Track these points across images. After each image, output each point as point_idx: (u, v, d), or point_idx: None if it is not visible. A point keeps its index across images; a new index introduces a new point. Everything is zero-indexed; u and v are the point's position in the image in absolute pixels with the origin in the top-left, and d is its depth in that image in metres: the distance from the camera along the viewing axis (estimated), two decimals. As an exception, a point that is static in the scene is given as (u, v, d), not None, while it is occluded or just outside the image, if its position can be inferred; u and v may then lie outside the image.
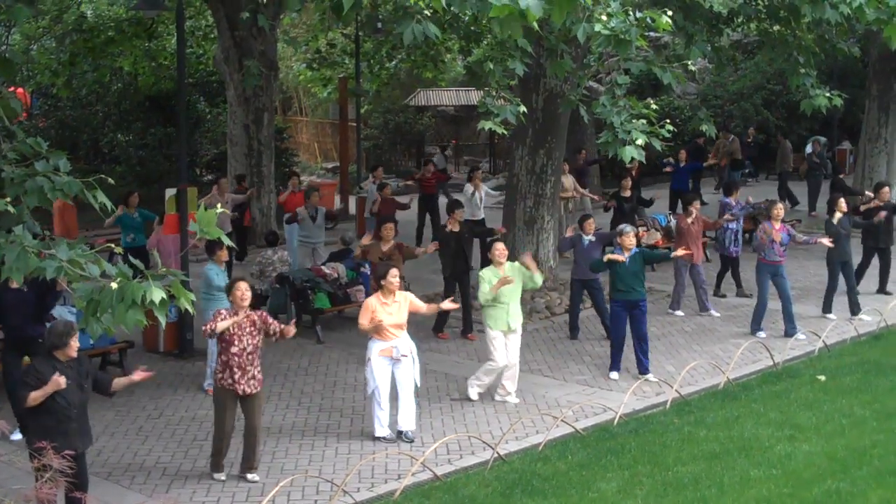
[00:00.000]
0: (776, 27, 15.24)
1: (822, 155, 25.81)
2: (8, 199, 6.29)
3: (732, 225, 16.19)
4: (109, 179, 6.72)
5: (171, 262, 13.71)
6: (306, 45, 28.20)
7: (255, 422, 9.41)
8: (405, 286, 13.91)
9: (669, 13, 10.98)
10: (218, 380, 9.38)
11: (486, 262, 11.90)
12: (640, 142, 11.17)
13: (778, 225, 14.14)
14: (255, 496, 9.09)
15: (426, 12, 8.89)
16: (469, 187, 19.16)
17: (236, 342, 9.26)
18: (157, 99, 26.14)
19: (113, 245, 6.44)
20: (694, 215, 15.40)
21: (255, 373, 9.36)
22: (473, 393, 11.63)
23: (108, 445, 10.36)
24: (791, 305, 14.20)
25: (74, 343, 7.97)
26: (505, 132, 11.56)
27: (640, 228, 18.62)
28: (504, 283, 11.21)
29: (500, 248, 11.59)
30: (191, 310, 5.97)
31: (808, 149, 26.80)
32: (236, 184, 19.70)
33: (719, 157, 26.86)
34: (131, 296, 5.65)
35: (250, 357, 9.30)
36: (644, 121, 11.47)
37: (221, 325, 9.21)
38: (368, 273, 14.46)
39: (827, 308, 15.28)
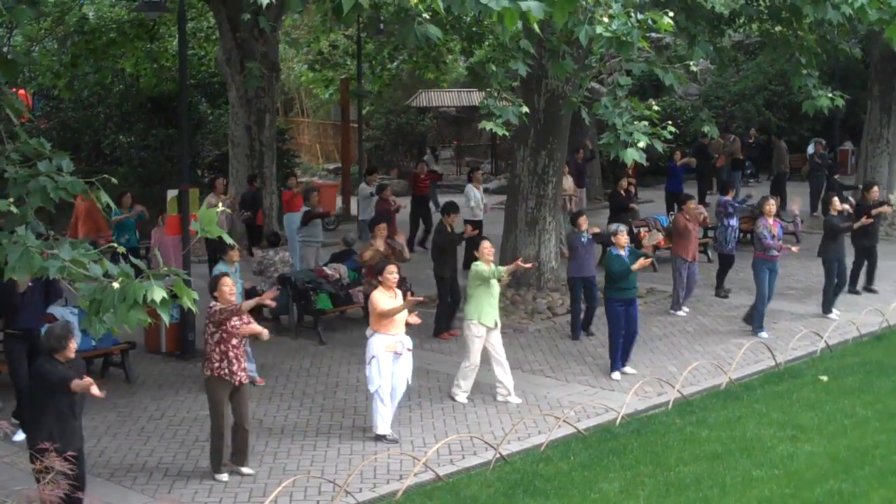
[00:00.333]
0: (778, 28, 15.25)
1: (824, 156, 25.80)
2: (11, 200, 6.30)
3: (732, 223, 16.25)
4: (113, 179, 6.75)
5: (171, 263, 13.76)
6: (308, 46, 28.23)
7: (246, 413, 9.68)
8: (408, 288, 13.96)
9: (671, 15, 10.98)
10: (215, 370, 9.49)
11: (470, 262, 12.00)
12: (641, 144, 11.18)
13: (771, 220, 14.22)
14: (257, 496, 9.09)
15: (426, 15, 8.89)
16: (470, 188, 19.16)
17: (237, 333, 9.54)
18: (158, 100, 26.14)
19: (115, 244, 6.47)
20: (693, 208, 15.48)
21: (245, 363, 9.71)
22: (462, 398, 11.68)
23: (110, 446, 10.37)
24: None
25: (73, 345, 8.23)
26: (506, 133, 11.58)
27: (641, 229, 18.68)
28: (516, 267, 11.68)
29: (487, 247, 11.77)
30: (193, 308, 5.99)
31: (810, 149, 26.80)
32: (248, 184, 19.69)
33: (716, 158, 26.85)
34: (133, 295, 5.67)
35: (243, 348, 9.72)
36: (646, 122, 11.47)
37: (254, 328, 9.70)
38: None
39: (827, 308, 15.29)
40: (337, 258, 15.83)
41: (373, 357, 10.40)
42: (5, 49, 24.14)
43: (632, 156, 11.16)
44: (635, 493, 9.12)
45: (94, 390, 7.99)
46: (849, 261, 15.91)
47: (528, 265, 11.98)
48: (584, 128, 23.90)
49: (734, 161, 27.05)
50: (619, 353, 12.53)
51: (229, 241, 6.33)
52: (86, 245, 6.05)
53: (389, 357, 10.42)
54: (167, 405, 11.67)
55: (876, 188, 16.81)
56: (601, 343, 13.87)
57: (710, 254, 19.03)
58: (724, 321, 15.16)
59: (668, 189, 22.93)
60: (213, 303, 9.64)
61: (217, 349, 9.48)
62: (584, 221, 14.17)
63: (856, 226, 15.56)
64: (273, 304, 11.36)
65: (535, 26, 8.00)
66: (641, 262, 12.41)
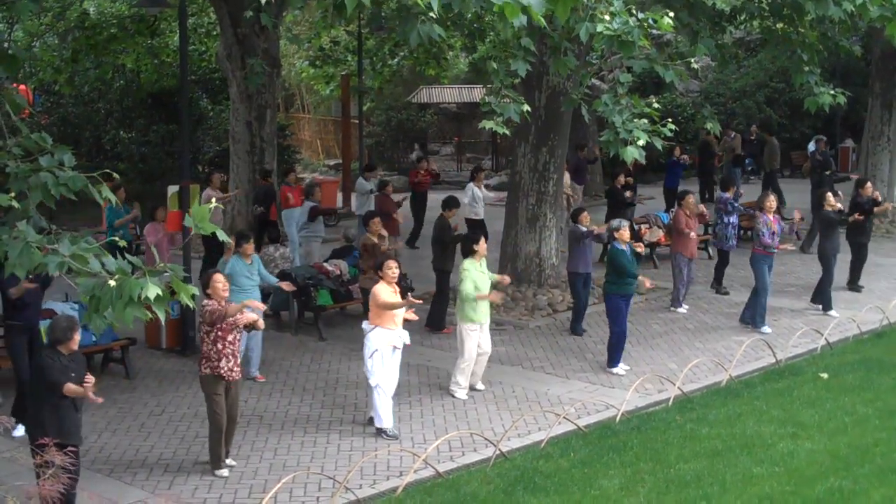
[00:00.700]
0: (779, 25, 15.24)
1: (826, 153, 25.75)
2: (13, 195, 6.30)
3: (732, 220, 16.25)
4: (115, 175, 6.74)
5: (164, 258, 13.77)
6: (309, 42, 28.20)
7: (236, 408, 9.83)
8: (408, 284, 13.96)
9: (671, 14, 10.96)
10: (213, 368, 9.52)
11: (465, 255, 12.02)
12: (641, 142, 11.17)
13: (771, 216, 14.23)
14: (257, 492, 9.10)
15: (431, 14, 8.86)
16: (472, 187, 19.13)
17: (233, 331, 9.61)
18: (159, 96, 26.13)
19: (116, 238, 6.48)
20: (692, 203, 15.48)
21: (238, 360, 9.82)
22: (461, 395, 11.69)
23: (110, 442, 10.38)
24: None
25: (77, 337, 8.36)
26: (507, 132, 11.56)
27: (642, 226, 18.67)
28: (494, 297, 11.86)
29: (483, 244, 11.89)
30: (191, 304, 5.98)
31: (812, 147, 26.75)
32: (262, 179, 19.62)
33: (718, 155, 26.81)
34: (129, 292, 5.67)
35: (238, 346, 9.82)
36: (646, 120, 11.45)
37: (250, 316, 9.78)
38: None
39: (827, 305, 15.29)
40: (338, 254, 15.82)
41: (375, 351, 10.42)
42: (6, 44, 24.11)
43: (632, 153, 11.14)
44: (635, 489, 9.12)
45: (91, 395, 8.05)
46: (847, 258, 15.92)
47: (507, 281, 12.64)
48: (584, 125, 23.86)
49: (735, 158, 27.00)
50: (622, 348, 12.53)
51: (223, 237, 6.31)
52: (87, 239, 6.04)
53: (390, 351, 10.47)
54: (167, 401, 11.67)
55: (869, 184, 16.77)
56: (601, 340, 13.86)
57: (710, 251, 19.02)
58: (724, 318, 15.16)
59: (667, 185, 22.92)
60: (206, 301, 9.64)
61: (213, 347, 9.51)
62: (585, 218, 14.19)
63: (850, 219, 15.64)
64: (292, 287, 12.39)
65: (541, 19, 7.96)
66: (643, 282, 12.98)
